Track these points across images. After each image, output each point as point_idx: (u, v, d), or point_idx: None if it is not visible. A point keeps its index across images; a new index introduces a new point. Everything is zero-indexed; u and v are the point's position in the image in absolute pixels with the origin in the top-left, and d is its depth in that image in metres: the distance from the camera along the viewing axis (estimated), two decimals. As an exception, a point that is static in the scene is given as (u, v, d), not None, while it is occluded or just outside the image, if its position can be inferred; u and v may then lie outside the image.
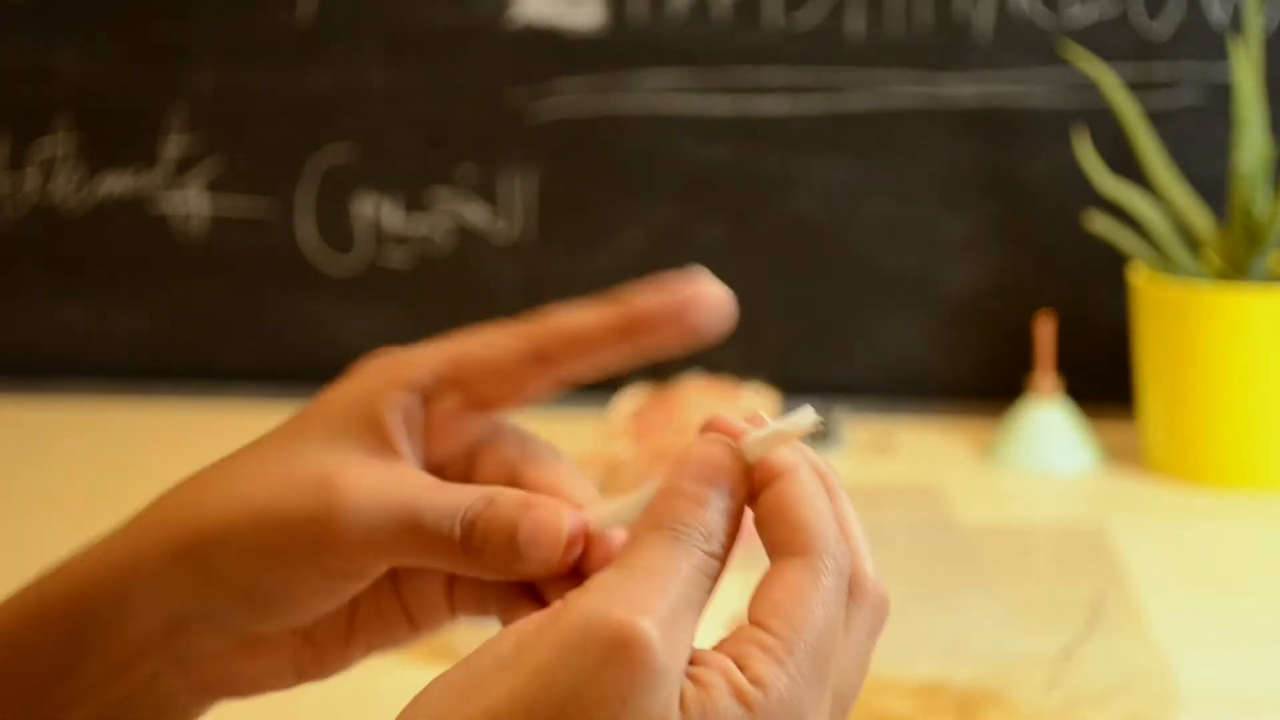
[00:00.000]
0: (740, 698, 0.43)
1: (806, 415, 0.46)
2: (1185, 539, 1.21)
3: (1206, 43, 1.42)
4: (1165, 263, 1.33)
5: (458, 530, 0.48)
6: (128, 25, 1.52)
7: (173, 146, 1.54)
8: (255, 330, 1.54)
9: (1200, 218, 1.33)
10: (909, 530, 1.22)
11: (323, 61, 1.51)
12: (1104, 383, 1.43)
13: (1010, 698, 0.93)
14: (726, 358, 1.41)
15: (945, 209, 1.47)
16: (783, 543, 0.48)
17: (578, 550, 0.48)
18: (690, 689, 0.42)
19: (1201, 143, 1.42)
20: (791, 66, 1.46)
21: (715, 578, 0.46)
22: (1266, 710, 0.94)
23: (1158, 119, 1.41)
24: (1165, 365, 1.31)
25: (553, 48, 1.49)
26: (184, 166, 1.54)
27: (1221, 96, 1.41)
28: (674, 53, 1.47)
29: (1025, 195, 1.46)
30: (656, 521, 0.45)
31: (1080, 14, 1.43)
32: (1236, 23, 1.40)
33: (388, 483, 0.49)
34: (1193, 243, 1.34)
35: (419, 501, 0.48)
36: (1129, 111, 1.34)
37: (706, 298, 0.49)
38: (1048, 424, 1.35)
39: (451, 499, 0.48)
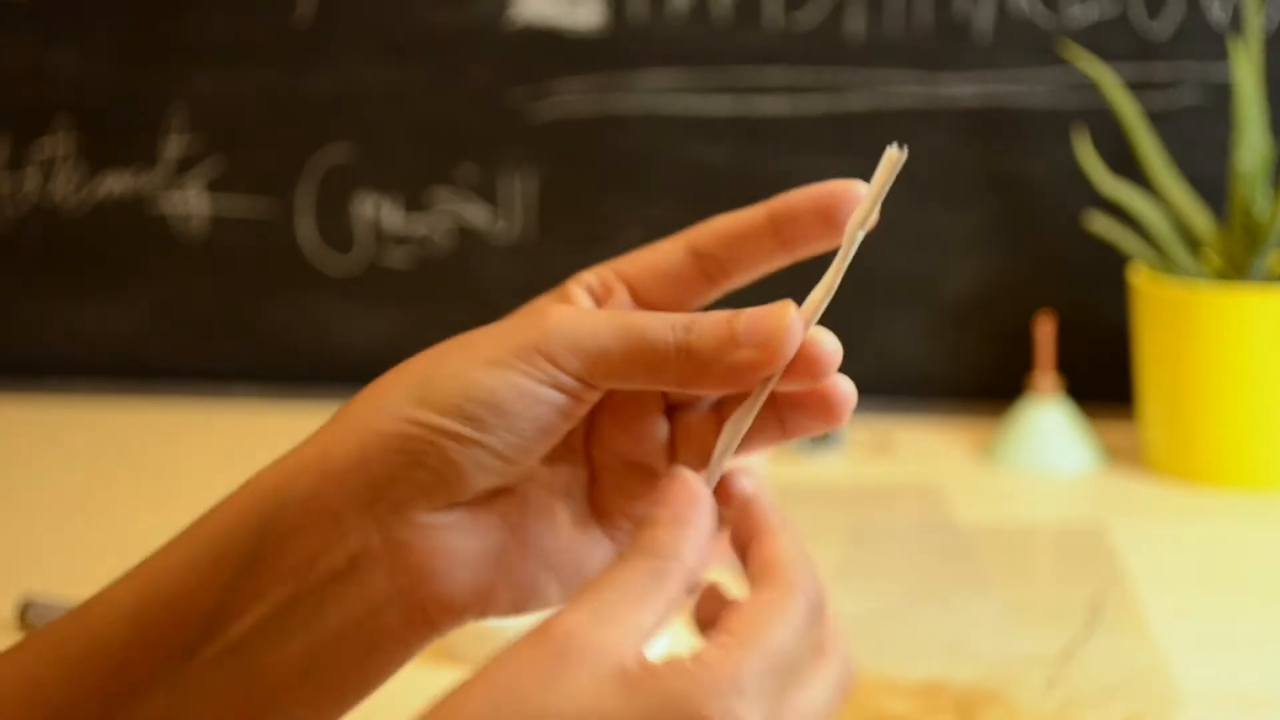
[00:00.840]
0: (679, 669, 0.45)
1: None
2: (1185, 539, 1.21)
3: (1206, 43, 1.42)
4: (1165, 263, 1.33)
5: (674, 335, 0.50)
6: (128, 25, 1.53)
7: (173, 146, 1.54)
8: (255, 330, 1.54)
9: (1200, 218, 1.33)
10: (909, 530, 1.22)
11: (323, 61, 1.51)
12: (1104, 383, 1.43)
13: (1010, 698, 0.93)
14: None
15: (945, 209, 1.47)
16: (759, 573, 0.50)
17: (795, 342, 0.49)
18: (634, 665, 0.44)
19: (1201, 143, 1.42)
20: (791, 66, 1.46)
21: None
22: (1266, 710, 0.94)
23: (1158, 119, 1.41)
24: (1165, 365, 1.31)
25: (553, 48, 1.49)
26: (184, 166, 1.54)
27: (1221, 96, 1.41)
28: (674, 53, 1.47)
29: (1025, 195, 1.46)
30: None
31: (1080, 14, 1.43)
32: (1236, 23, 1.40)
33: (596, 311, 0.51)
34: (1193, 243, 1.34)
35: (631, 317, 0.50)
36: (1129, 111, 1.34)
37: (848, 194, 0.53)
38: (1048, 424, 1.35)
39: (666, 316, 0.50)
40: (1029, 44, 1.44)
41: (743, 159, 1.47)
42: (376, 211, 1.53)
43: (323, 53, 1.51)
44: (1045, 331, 1.35)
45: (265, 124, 1.53)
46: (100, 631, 0.52)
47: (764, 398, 0.51)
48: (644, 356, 0.50)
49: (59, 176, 1.55)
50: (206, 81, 1.53)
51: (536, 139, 1.50)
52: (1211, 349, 1.28)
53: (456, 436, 0.50)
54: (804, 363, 0.51)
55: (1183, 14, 1.42)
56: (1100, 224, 1.36)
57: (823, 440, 1.37)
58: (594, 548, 0.55)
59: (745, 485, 0.51)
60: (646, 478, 0.55)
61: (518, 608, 0.54)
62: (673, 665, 0.45)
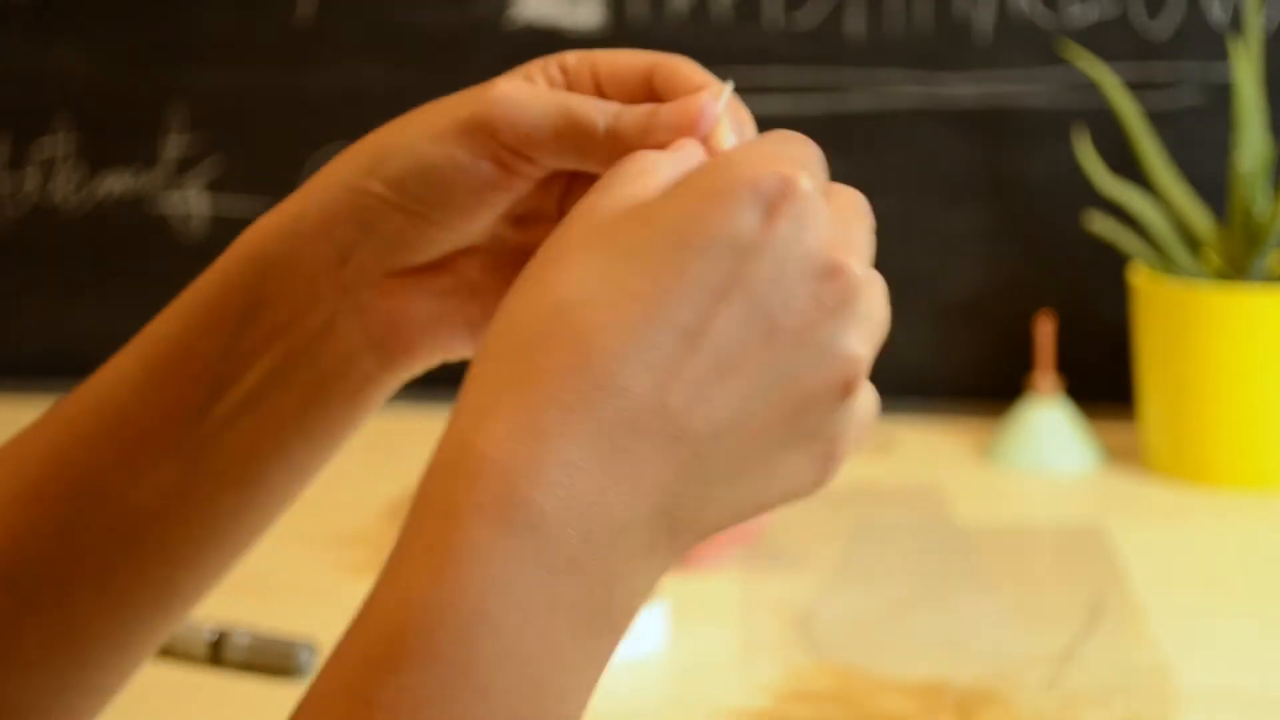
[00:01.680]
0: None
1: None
2: (1185, 539, 1.21)
3: (1206, 43, 1.42)
4: (1165, 263, 1.33)
5: (604, 119, 0.54)
6: (128, 25, 1.53)
7: (173, 146, 1.54)
8: (255, 330, 1.54)
9: (1200, 218, 1.33)
10: (909, 530, 1.22)
11: (323, 61, 1.51)
12: (1104, 383, 1.43)
13: (1010, 698, 0.93)
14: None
15: (945, 209, 1.47)
16: None
17: (710, 121, 0.54)
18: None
19: (1201, 143, 1.42)
20: (791, 66, 1.46)
21: None
22: (1266, 710, 0.94)
23: (1158, 119, 1.41)
24: (1165, 365, 1.31)
25: (553, 48, 1.47)
26: (184, 166, 1.54)
27: (1221, 96, 1.41)
28: (674, 53, 1.47)
29: (1025, 195, 1.46)
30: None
31: (1080, 14, 1.43)
32: (1236, 23, 1.40)
33: (540, 90, 0.55)
34: (1193, 243, 1.34)
35: (568, 98, 0.55)
36: (1129, 111, 1.34)
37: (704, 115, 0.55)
38: (1048, 424, 1.35)
39: (598, 102, 0.55)
40: (1029, 44, 1.44)
41: (743, 159, 1.47)
42: (376, 211, 1.52)
43: (323, 52, 1.51)
44: (1045, 331, 1.35)
45: (265, 124, 1.53)
46: (113, 401, 0.57)
47: None
48: (574, 137, 0.54)
49: (59, 176, 1.55)
50: (206, 81, 1.53)
51: (536, 139, 1.50)
52: (1211, 349, 1.28)
53: (403, 209, 0.55)
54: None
55: (1183, 14, 1.42)
56: (1100, 224, 1.36)
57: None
58: None
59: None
60: None
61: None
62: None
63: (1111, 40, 1.42)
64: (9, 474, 0.57)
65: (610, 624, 0.45)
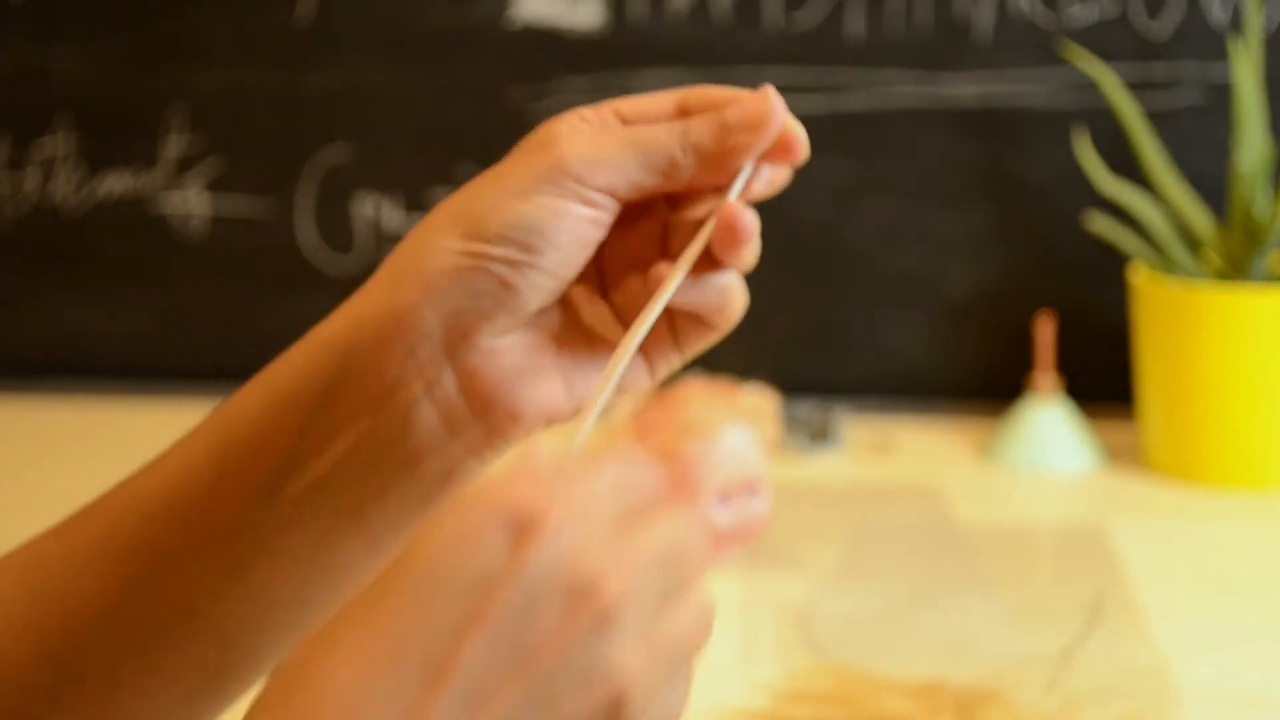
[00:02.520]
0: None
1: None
2: (1185, 539, 1.21)
3: (1206, 43, 1.42)
4: (1165, 263, 1.33)
5: (677, 138, 0.55)
6: (128, 25, 1.53)
7: (173, 146, 1.54)
8: (255, 330, 1.54)
9: (1200, 218, 1.33)
10: (909, 530, 1.22)
11: (323, 61, 1.51)
12: (1104, 383, 1.43)
13: (1010, 698, 0.93)
14: (726, 358, 1.41)
15: (945, 209, 1.47)
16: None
17: (779, 123, 0.55)
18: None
19: (1201, 143, 1.42)
20: (791, 66, 1.46)
21: None
22: (1266, 710, 0.94)
23: (1158, 119, 1.41)
24: (1165, 365, 1.31)
25: (553, 48, 1.49)
26: (184, 166, 1.54)
27: (1221, 96, 1.41)
28: (674, 53, 1.47)
29: (1025, 195, 1.46)
30: None
31: (1080, 14, 1.43)
32: (1236, 23, 1.40)
33: (596, 133, 0.56)
34: (1193, 243, 1.34)
35: (629, 132, 0.56)
36: (1129, 111, 1.34)
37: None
38: (1048, 424, 1.35)
39: (658, 126, 0.56)
40: (1029, 44, 1.44)
41: (743, 159, 1.47)
42: (376, 211, 1.52)
43: (323, 53, 1.51)
44: (1045, 331, 1.35)
45: (265, 124, 1.53)
46: (179, 483, 0.56)
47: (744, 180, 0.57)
48: (655, 162, 0.55)
49: (59, 176, 1.55)
50: (207, 81, 1.53)
51: (536, 139, 1.50)
52: (1211, 349, 1.28)
53: (510, 261, 0.55)
54: (780, 143, 0.57)
55: (1183, 14, 1.42)
56: (1100, 224, 1.36)
57: (823, 440, 1.37)
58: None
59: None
60: (644, 278, 0.59)
61: (576, 411, 0.58)
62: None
63: (1111, 40, 1.42)
64: (68, 549, 0.56)
65: None
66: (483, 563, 0.43)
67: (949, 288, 1.48)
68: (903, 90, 1.46)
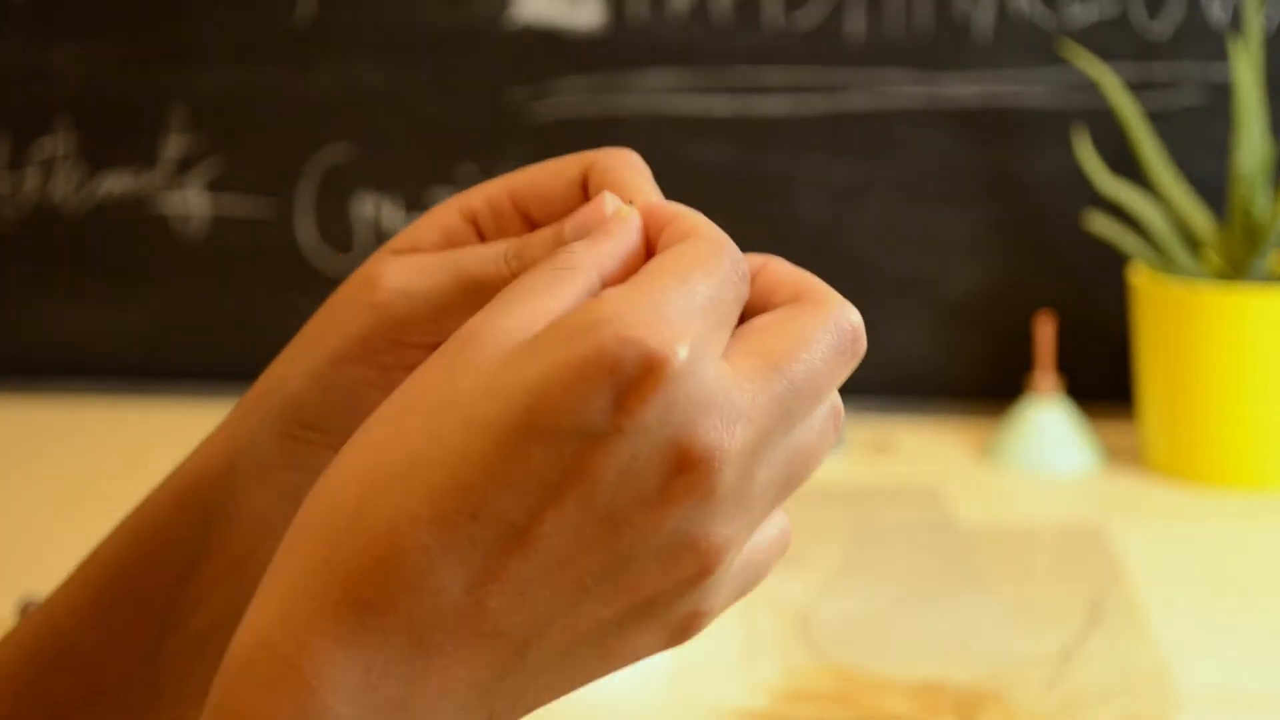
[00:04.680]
0: (586, 307, 0.41)
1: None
2: (1185, 539, 1.21)
3: (1206, 43, 1.42)
4: (1165, 263, 1.33)
5: (508, 266, 0.50)
6: (128, 25, 1.53)
7: (173, 146, 1.54)
8: (255, 330, 1.54)
9: (1200, 218, 1.33)
10: (909, 530, 1.22)
11: (323, 61, 1.51)
12: (1104, 383, 1.43)
13: (1010, 698, 0.93)
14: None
15: (945, 209, 1.47)
16: (789, 296, 0.46)
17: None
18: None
19: (1201, 143, 1.42)
20: (791, 66, 1.46)
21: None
22: (1266, 710, 0.94)
23: (1158, 119, 1.41)
24: (1165, 365, 1.31)
25: (553, 48, 1.49)
26: (184, 166, 1.54)
27: (1221, 96, 1.41)
28: (674, 53, 1.47)
29: (1025, 195, 1.46)
30: None
31: (1080, 14, 1.43)
32: (1236, 23, 1.40)
33: (422, 258, 0.52)
34: (1193, 243, 1.34)
35: (458, 255, 0.51)
36: (1129, 111, 1.34)
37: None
38: (1048, 424, 1.35)
39: (495, 248, 0.51)
40: (1029, 44, 1.44)
41: (742, 159, 1.47)
42: (376, 211, 1.52)
43: (323, 53, 1.51)
44: (1045, 331, 1.35)
45: (265, 124, 1.53)
46: (64, 630, 0.54)
47: None
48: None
49: (59, 176, 1.55)
50: (206, 81, 1.53)
51: (536, 139, 1.50)
52: (1211, 349, 1.28)
53: (329, 445, 0.53)
54: None
55: (1183, 14, 1.42)
56: (1100, 224, 1.36)
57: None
58: None
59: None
60: None
61: None
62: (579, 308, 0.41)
63: (1111, 40, 1.42)
64: None
65: None
66: (586, 420, 0.39)
67: (949, 288, 1.48)
68: (903, 90, 1.46)
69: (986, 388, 1.46)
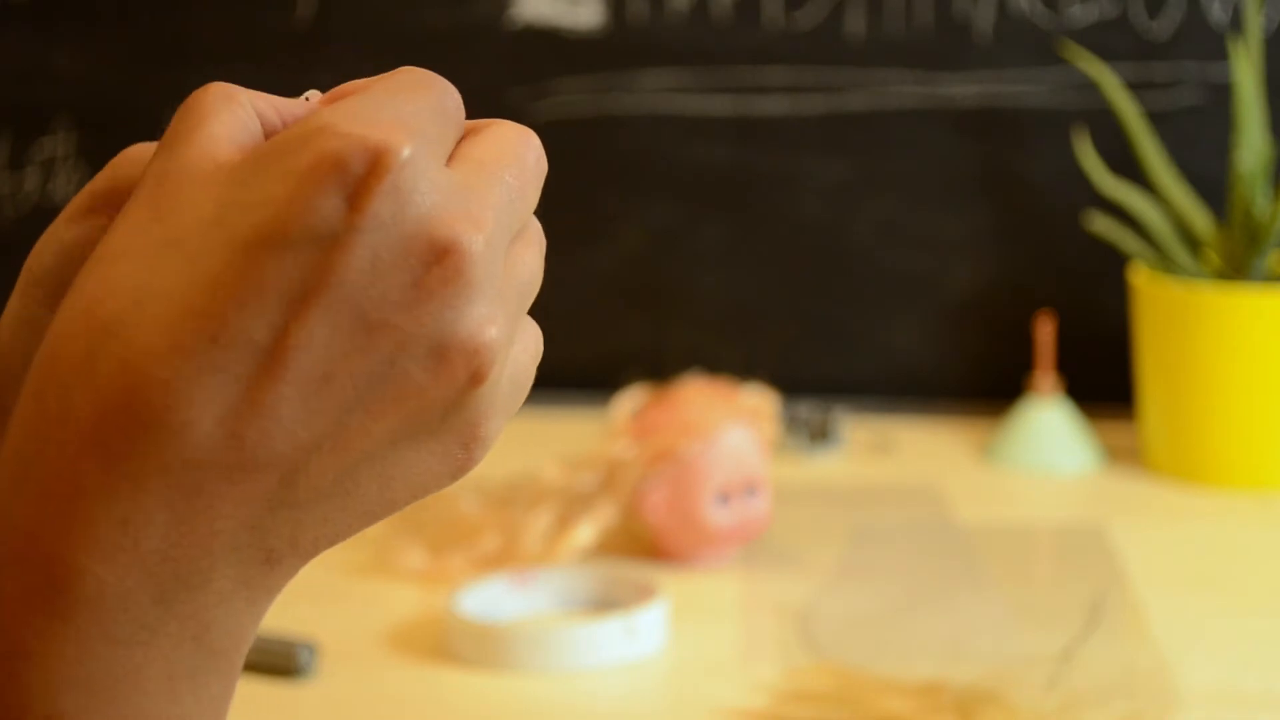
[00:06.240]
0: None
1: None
2: (1185, 539, 1.21)
3: (1206, 43, 1.42)
4: (1165, 263, 1.33)
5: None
6: (128, 25, 1.53)
7: (173, 146, 1.54)
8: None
9: (1200, 218, 1.33)
10: (909, 530, 1.22)
11: (323, 61, 1.51)
12: (1104, 383, 1.43)
13: (1010, 698, 0.93)
14: (726, 358, 1.41)
15: (945, 209, 1.47)
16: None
17: None
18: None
19: (1201, 143, 1.42)
20: (791, 66, 1.46)
21: None
22: (1266, 710, 0.94)
23: (1158, 119, 1.41)
24: (1165, 365, 1.31)
25: (553, 48, 1.49)
26: (184, 166, 1.54)
27: (1221, 96, 1.41)
28: (674, 53, 1.47)
29: (1025, 195, 1.46)
30: None
31: (1080, 14, 1.43)
32: (1236, 23, 1.40)
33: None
34: (1193, 243, 1.34)
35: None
36: (1129, 111, 1.34)
37: None
38: (1048, 424, 1.35)
39: None
40: (1029, 44, 1.44)
41: (742, 159, 1.47)
42: (376, 211, 1.52)
43: (323, 53, 1.51)
44: (1045, 331, 1.35)
45: (265, 124, 1.53)
46: None
47: None
48: None
49: (59, 176, 1.55)
50: (206, 81, 1.52)
51: (536, 139, 1.50)
52: (1211, 349, 1.28)
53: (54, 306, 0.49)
54: None
55: (1183, 14, 1.42)
56: (1100, 224, 1.36)
57: (823, 440, 1.37)
58: None
59: None
60: None
61: None
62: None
63: (1111, 40, 1.42)
64: None
65: (213, 669, 0.39)
66: (317, 222, 0.38)
67: (949, 288, 1.48)
68: (903, 90, 1.46)
69: (986, 388, 1.46)
